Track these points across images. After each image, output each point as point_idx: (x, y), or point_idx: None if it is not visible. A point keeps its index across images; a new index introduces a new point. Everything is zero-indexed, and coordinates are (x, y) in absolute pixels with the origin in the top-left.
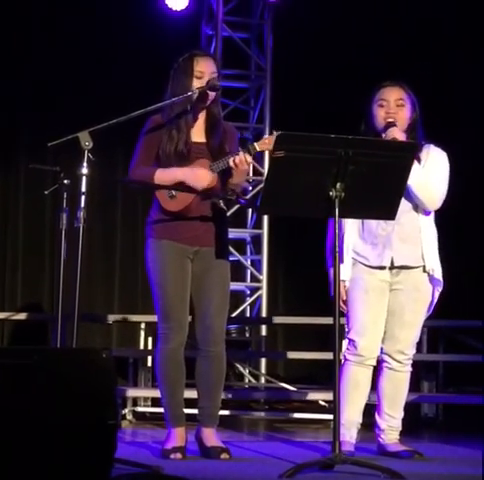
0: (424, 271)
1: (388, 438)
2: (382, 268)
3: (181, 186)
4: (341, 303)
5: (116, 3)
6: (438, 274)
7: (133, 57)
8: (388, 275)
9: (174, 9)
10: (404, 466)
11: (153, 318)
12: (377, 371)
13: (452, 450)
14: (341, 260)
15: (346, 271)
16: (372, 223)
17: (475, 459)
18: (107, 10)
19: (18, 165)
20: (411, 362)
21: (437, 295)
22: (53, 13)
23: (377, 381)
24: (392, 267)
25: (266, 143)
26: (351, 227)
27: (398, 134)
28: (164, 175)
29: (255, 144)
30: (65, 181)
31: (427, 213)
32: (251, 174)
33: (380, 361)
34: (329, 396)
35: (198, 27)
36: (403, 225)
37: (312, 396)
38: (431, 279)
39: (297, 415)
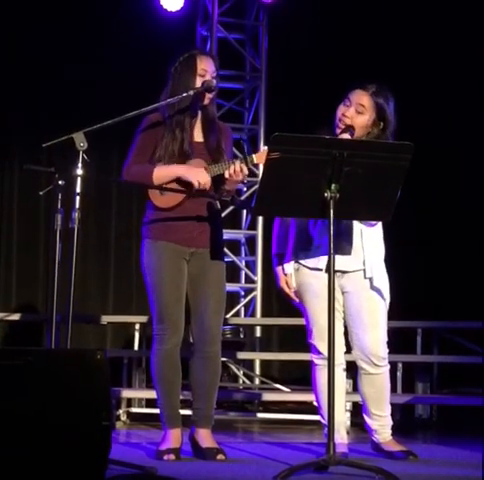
0: (365, 277)
1: (382, 437)
2: (319, 270)
3: (178, 182)
4: (289, 293)
5: (111, 4)
6: (377, 281)
7: (128, 57)
8: (335, 279)
9: (169, 10)
10: (398, 467)
11: (147, 319)
12: (355, 375)
13: (446, 451)
14: (287, 259)
15: (289, 266)
16: (319, 227)
17: (470, 460)
18: (102, 10)
19: (12, 166)
20: (387, 361)
21: (382, 300)
22: (46, 13)
23: (358, 385)
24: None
25: (263, 156)
26: (295, 227)
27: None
28: (162, 172)
29: (253, 156)
30: (60, 182)
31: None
32: (246, 174)
33: (356, 367)
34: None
35: (193, 28)
36: (341, 231)
37: (306, 397)
38: (372, 286)
39: (291, 416)
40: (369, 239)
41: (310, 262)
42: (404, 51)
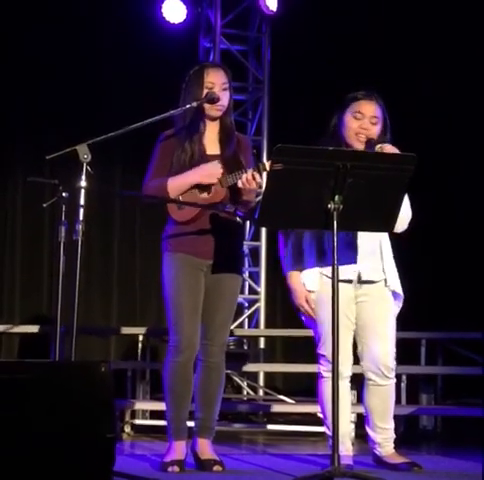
0: (386, 285)
1: (385, 450)
2: (349, 282)
3: (197, 188)
4: (309, 310)
5: (114, 16)
6: (399, 289)
7: (131, 70)
8: (352, 288)
9: (172, 22)
10: (403, 479)
11: (145, 330)
12: (361, 387)
13: (451, 463)
14: (300, 268)
15: (312, 282)
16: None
17: (474, 472)
18: (105, 23)
19: (16, 178)
20: (394, 373)
21: (397, 311)
22: (49, 26)
23: (363, 397)
24: (359, 281)
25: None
26: (312, 238)
27: (392, 149)
28: (176, 181)
29: (265, 163)
30: (63, 194)
31: None
32: (259, 182)
33: (363, 378)
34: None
35: (196, 40)
36: (367, 240)
37: (311, 409)
38: (393, 293)
39: (296, 428)
40: (387, 247)
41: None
42: (409, 60)
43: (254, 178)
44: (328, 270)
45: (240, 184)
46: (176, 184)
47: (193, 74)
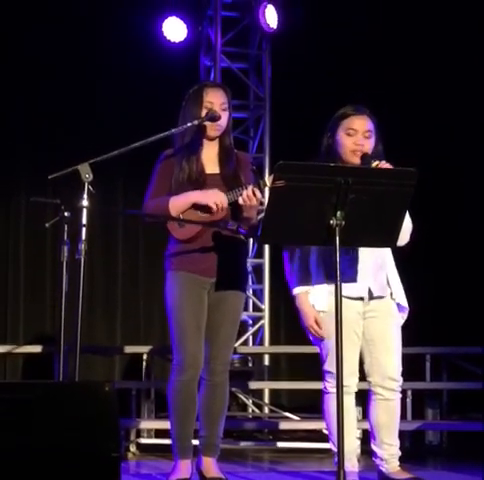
0: (391, 298)
1: (391, 466)
2: (361, 299)
3: (196, 209)
4: (319, 331)
5: (115, 35)
6: (404, 302)
7: (133, 89)
8: (362, 305)
9: (172, 41)
10: None
11: (149, 349)
12: (367, 402)
13: (457, 478)
14: (305, 286)
15: (322, 301)
16: (345, 255)
17: None
18: (106, 42)
19: (19, 198)
20: (401, 388)
21: (402, 323)
22: (50, 44)
23: (369, 412)
24: (371, 298)
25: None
26: (319, 255)
27: (386, 165)
28: (177, 201)
29: (266, 180)
30: (66, 213)
31: None
32: (260, 198)
33: (370, 393)
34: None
35: (196, 58)
36: (372, 255)
37: (316, 425)
38: (398, 306)
39: (301, 445)
40: (390, 261)
41: (344, 290)
42: (410, 76)
43: (254, 194)
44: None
45: (241, 201)
46: (177, 203)
47: (192, 93)
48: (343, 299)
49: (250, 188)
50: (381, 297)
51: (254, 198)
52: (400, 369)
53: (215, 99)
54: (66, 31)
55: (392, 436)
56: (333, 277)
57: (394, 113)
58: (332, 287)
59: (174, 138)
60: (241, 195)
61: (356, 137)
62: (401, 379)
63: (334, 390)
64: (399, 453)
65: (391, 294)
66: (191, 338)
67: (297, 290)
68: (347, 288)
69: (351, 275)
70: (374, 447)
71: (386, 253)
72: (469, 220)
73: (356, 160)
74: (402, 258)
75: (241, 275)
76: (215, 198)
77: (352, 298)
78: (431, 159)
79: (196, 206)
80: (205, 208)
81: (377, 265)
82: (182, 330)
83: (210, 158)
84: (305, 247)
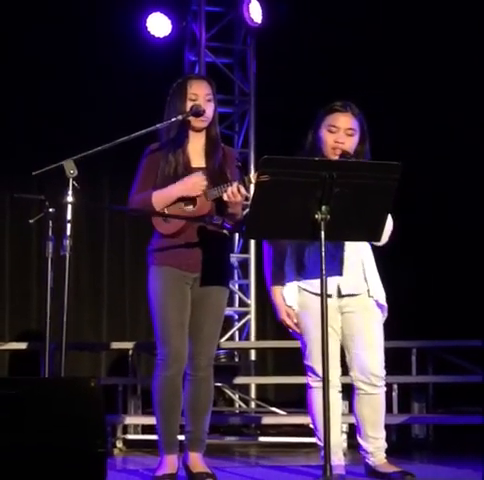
0: (369, 295)
1: (377, 459)
2: (328, 296)
3: (183, 201)
4: (292, 325)
5: (99, 31)
6: (382, 300)
7: (117, 84)
8: (335, 301)
9: (157, 36)
10: None
11: (133, 345)
12: (351, 397)
13: (444, 471)
14: (281, 283)
15: (292, 297)
16: (317, 251)
17: (468, 479)
18: (90, 38)
19: (3, 194)
20: (384, 382)
21: (383, 320)
22: (34, 40)
23: (353, 407)
24: (340, 295)
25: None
26: (292, 252)
27: None
28: (161, 195)
29: (251, 176)
30: (50, 209)
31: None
32: (245, 195)
33: (353, 388)
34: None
35: (181, 53)
36: (348, 252)
37: (303, 420)
38: (376, 303)
39: (288, 439)
40: (369, 259)
41: (312, 286)
42: (394, 71)
43: (239, 191)
44: (306, 284)
45: (225, 197)
46: (161, 197)
47: (177, 86)
48: (311, 295)
49: (235, 185)
50: (354, 295)
51: (239, 195)
52: (382, 364)
53: (199, 91)
54: (51, 27)
55: (377, 429)
56: (303, 274)
57: (381, 108)
58: (301, 283)
59: (160, 132)
60: (226, 192)
61: (337, 134)
62: (383, 373)
63: (316, 385)
64: (385, 445)
65: (369, 291)
66: (175, 333)
67: (272, 284)
68: (314, 285)
69: (318, 272)
70: (360, 440)
71: (364, 250)
72: (455, 212)
73: (335, 158)
74: (386, 252)
75: (225, 270)
76: (198, 187)
77: (319, 294)
78: (416, 156)
79: (180, 198)
80: (190, 200)
81: (351, 262)
82: (166, 325)
83: (196, 150)
84: (282, 242)
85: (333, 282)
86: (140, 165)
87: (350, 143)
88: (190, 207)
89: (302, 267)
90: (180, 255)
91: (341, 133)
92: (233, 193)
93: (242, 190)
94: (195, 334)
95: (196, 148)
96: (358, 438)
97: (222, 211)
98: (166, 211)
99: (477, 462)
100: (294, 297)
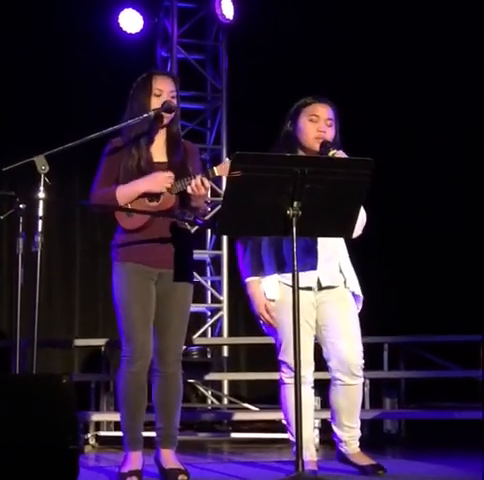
0: (345, 286)
1: (351, 448)
2: (309, 289)
3: (147, 197)
4: (269, 319)
5: (71, 26)
6: (358, 291)
7: (88, 80)
8: (312, 294)
9: (129, 32)
10: None
11: (105, 341)
12: (327, 389)
13: (415, 466)
14: (260, 276)
15: (273, 290)
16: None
17: (439, 475)
18: (62, 33)
19: None
20: (362, 372)
21: (357, 311)
22: (5, 37)
23: (330, 397)
24: (320, 288)
25: (224, 168)
26: (270, 246)
27: (343, 155)
28: (125, 190)
29: (214, 168)
30: (21, 205)
31: None
32: (209, 195)
33: (331, 379)
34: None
35: (153, 49)
36: (324, 245)
37: (275, 416)
38: (352, 294)
39: (261, 435)
40: (343, 251)
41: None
42: (369, 68)
43: (203, 183)
44: (287, 277)
45: (189, 190)
46: (126, 192)
47: (141, 81)
48: (287, 287)
49: (198, 177)
50: (332, 287)
51: (202, 187)
52: (360, 354)
53: (164, 86)
54: (23, 24)
55: (352, 419)
56: (283, 267)
57: (354, 104)
58: (282, 277)
59: (123, 127)
60: (189, 184)
61: (319, 124)
62: (362, 363)
63: (289, 381)
64: (359, 434)
65: (345, 282)
66: (140, 329)
67: (249, 278)
68: (289, 278)
69: (300, 265)
70: (334, 428)
71: (338, 243)
72: (427, 210)
73: (317, 147)
74: (357, 248)
75: (189, 265)
76: (163, 183)
77: (301, 288)
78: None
79: (144, 193)
80: (154, 195)
81: (327, 255)
82: (130, 322)
83: (158, 147)
84: (257, 238)
85: (313, 275)
86: (101, 160)
87: (330, 133)
88: (154, 202)
89: (282, 261)
90: (144, 250)
91: (322, 123)
92: (197, 186)
93: (206, 182)
94: (162, 330)
95: (158, 144)
96: (333, 425)
97: (185, 205)
98: (129, 206)
99: (448, 457)
100: (276, 290)
